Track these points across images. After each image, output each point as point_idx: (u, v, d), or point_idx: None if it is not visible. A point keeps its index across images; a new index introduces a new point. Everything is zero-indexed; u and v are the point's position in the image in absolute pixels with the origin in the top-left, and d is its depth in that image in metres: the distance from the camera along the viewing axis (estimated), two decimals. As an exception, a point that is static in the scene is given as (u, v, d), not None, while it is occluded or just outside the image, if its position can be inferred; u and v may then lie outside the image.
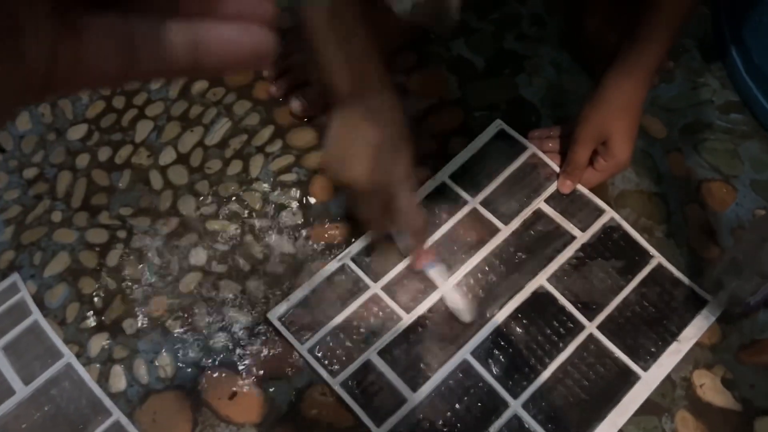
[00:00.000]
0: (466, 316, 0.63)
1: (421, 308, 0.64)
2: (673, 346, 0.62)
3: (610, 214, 0.68)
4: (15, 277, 0.67)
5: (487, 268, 0.66)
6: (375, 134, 0.57)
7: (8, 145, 0.77)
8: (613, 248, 0.67)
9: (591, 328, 0.63)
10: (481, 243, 0.67)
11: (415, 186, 0.62)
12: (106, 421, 0.59)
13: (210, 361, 0.63)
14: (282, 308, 0.64)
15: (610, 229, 0.68)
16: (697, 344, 0.63)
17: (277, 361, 0.63)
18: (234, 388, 0.62)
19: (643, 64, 0.64)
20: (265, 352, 0.63)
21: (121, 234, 0.70)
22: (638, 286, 0.65)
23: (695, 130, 0.75)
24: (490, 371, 0.61)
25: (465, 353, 0.62)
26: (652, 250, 0.67)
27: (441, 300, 0.64)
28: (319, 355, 0.62)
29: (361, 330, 0.64)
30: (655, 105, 0.77)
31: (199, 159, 0.74)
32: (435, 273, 0.64)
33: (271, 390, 0.62)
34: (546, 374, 0.61)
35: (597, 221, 0.68)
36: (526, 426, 0.59)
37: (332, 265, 0.67)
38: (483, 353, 0.62)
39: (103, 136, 0.76)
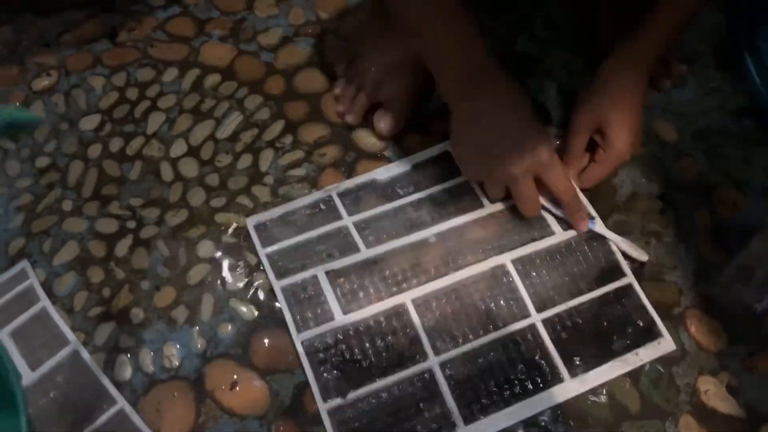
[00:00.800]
0: (642, 255, 0.66)
1: (382, 248, 0.66)
2: (608, 365, 0.62)
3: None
4: (24, 264, 0.68)
5: (457, 234, 0.67)
6: (505, 125, 0.62)
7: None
8: (587, 254, 0.67)
9: (536, 318, 0.63)
10: (461, 211, 0.69)
11: (556, 156, 0.64)
12: (110, 409, 0.60)
13: (215, 352, 0.64)
14: (260, 217, 0.69)
15: (592, 237, 0.67)
16: (702, 350, 0.63)
17: (281, 354, 0.63)
18: (237, 380, 0.62)
19: (640, 55, 0.66)
20: (269, 345, 0.64)
21: (131, 224, 0.70)
22: (599, 297, 0.65)
23: (707, 136, 0.75)
24: (423, 322, 0.63)
25: (405, 297, 0.64)
26: (626, 270, 0.66)
27: (609, 244, 0.67)
28: (275, 259, 0.66)
29: (320, 249, 0.67)
30: (667, 110, 0.77)
31: (210, 152, 0.75)
32: (599, 227, 0.67)
33: (274, 383, 0.62)
34: (475, 344, 0.62)
35: None
36: (436, 383, 0.60)
37: (319, 194, 0.70)
38: (422, 304, 0.64)
39: (115, 127, 0.77)
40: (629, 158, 0.67)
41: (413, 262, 0.66)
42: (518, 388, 0.60)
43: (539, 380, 0.61)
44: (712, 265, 0.67)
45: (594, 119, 0.66)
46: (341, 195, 0.70)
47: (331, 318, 0.63)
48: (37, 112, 0.79)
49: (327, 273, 0.65)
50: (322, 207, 0.70)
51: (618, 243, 0.66)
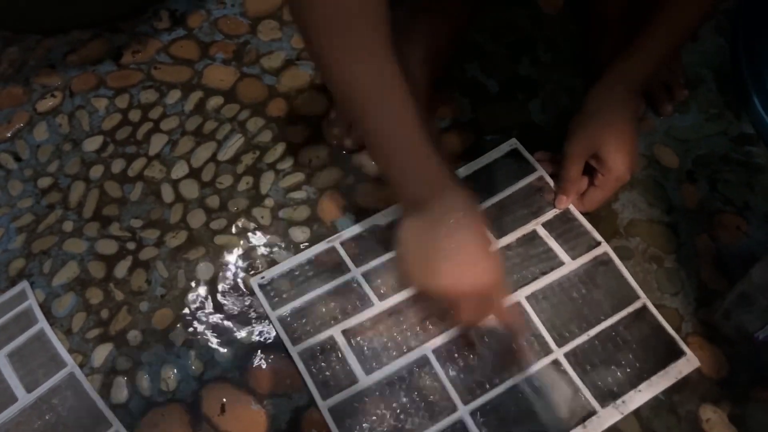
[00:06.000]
0: (566, 390, 0.61)
1: (394, 299, 0.65)
2: (637, 390, 0.61)
3: (604, 248, 0.68)
4: (24, 284, 0.68)
5: None
6: (459, 239, 0.55)
7: (24, 154, 0.78)
8: (599, 282, 0.66)
9: (558, 353, 0.63)
10: None
11: (504, 281, 0.60)
12: (106, 432, 0.60)
13: (212, 375, 0.63)
14: (264, 275, 0.67)
15: (601, 263, 0.67)
16: (704, 377, 0.62)
17: (278, 378, 0.63)
18: (234, 404, 0.62)
19: (630, 76, 0.66)
20: (267, 369, 0.63)
21: (131, 246, 0.71)
22: (617, 323, 0.64)
23: (709, 162, 0.75)
24: (446, 372, 0.62)
25: (426, 349, 0.63)
26: (640, 292, 0.66)
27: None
28: (287, 321, 0.65)
29: (332, 307, 0.66)
30: (669, 135, 0.77)
31: (211, 174, 0.75)
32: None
33: (272, 406, 0.62)
34: (501, 388, 0.61)
35: (589, 252, 0.68)
36: None
37: (321, 246, 0.69)
38: (444, 353, 0.63)
39: (117, 149, 0.77)
40: (628, 179, 0.67)
41: (428, 310, 0.65)
42: (552, 426, 0.59)
43: (572, 415, 0.60)
44: (714, 292, 0.67)
45: (589, 145, 0.65)
46: (344, 244, 0.69)
47: (355, 380, 0.61)
48: (41, 132, 0.79)
49: (344, 332, 0.64)
50: (327, 259, 0.68)
51: (560, 391, 0.61)
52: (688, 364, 0.62)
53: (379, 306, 0.65)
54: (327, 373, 0.62)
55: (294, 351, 0.63)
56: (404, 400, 0.61)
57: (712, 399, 0.62)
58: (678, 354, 0.63)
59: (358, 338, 0.64)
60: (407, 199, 0.57)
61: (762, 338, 0.61)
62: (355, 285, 0.66)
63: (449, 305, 0.60)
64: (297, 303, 0.65)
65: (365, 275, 0.67)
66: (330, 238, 0.69)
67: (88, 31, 0.87)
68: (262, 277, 0.67)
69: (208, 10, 0.88)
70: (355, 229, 0.70)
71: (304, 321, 0.65)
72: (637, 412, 0.61)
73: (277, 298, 0.66)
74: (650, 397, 0.61)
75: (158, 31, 0.87)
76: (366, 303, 0.65)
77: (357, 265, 0.67)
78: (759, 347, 0.62)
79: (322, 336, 0.63)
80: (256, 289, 0.67)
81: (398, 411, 0.60)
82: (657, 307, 0.65)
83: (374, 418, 0.60)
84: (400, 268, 0.60)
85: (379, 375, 0.61)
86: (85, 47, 0.86)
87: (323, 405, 0.60)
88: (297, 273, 0.68)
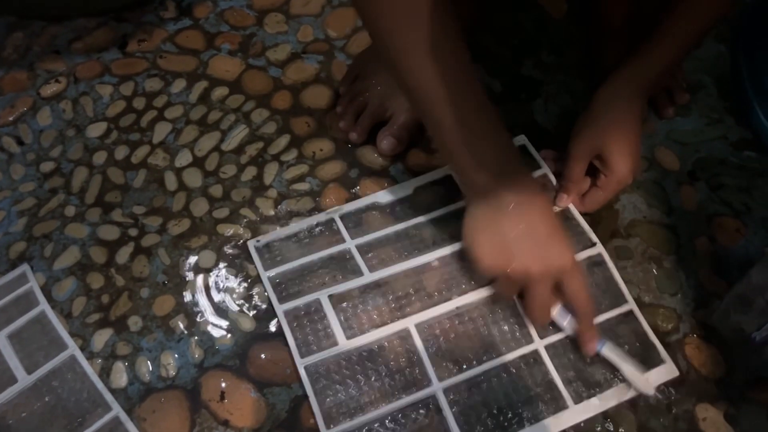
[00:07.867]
0: (648, 389, 0.61)
1: (385, 272, 0.66)
2: (611, 391, 0.61)
3: (599, 249, 0.68)
4: (25, 267, 0.68)
5: (459, 258, 0.67)
6: (530, 223, 0.58)
7: (27, 139, 0.78)
8: (592, 281, 0.67)
9: (539, 344, 0.63)
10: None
11: (578, 265, 0.61)
12: (105, 415, 0.59)
13: (212, 363, 0.63)
14: (260, 239, 0.69)
15: (594, 264, 0.68)
16: (701, 377, 0.63)
17: (278, 367, 0.63)
18: (234, 391, 0.62)
19: (637, 79, 0.66)
20: (267, 357, 0.63)
21: (133, 232, 0.70)
22: (601, 323, 0.64)
23: (708, 165, 0.76)
24: (426, 347, 0.63)
25: (409, 322, 0.64)
26: (628, 296, 0.66)
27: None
28: (277, 282, 0.66)
29: (323, 273, 0.67)
30: (670, 138, 0.78)
31: (215, 163, 0.75)
32: (608, 350, 0.62)
33: (271, 396, 0.62)
34: (478, 370, 0.62)
35: (583, 252, 0.68)
36: (440, 410, 0.60)
37: (320, 217, 0.70)
38: (426, 329, 0.64)
39: (121, 135, 0.77)
40: (631, 182, 0.67)
41: (416, 286, 0.66)
42: (522, 414, 0.60)
43: (543, 407, 0.60)
44: (712, 293, 0.67)
45: (593, 146, 0.66)
46: (343, 218, 0.70)
47: (335, 343, 0.62)
48: (45, 117, 0.79)
49: (330, 297, 0.64)
50: (324, 230, 0.70)
51: (626, 372, 0.61)
52: (665, 372, 0.63)
53: (368, 276, 0.66)
54: (309, 333, 0.63)
55: (279, 309, 0.64)
56: (381, 368, 0.62)
57: (709, 398, 0.62)
58: (657, 362, 0.63)
59: (344, 304, 0.65)
60: (476, 187, 0.60)
61: (759, 339, 0.61)
62: (348, 256, 0.67)
63: (522, 289, 0.61)
64: (289, 266, 0.67)
65: (359, 247, 0.68)
66: (329, 210, 0.70)
67: (94, 19, 0.87)
68: (258, 241, 0.69)
69: (214, 2, 0.89)
70: (355, 204, 0.71)
71: (293, 283, 0.66)
72: (633, 410, 0.61)
73: (270, 261, 0.68)
74: (622, 401, 0.61)
75: (164, 20, 0.87)
76: (356, 273, 0.66)
77: (352, 238, 0.68)
78: (756, 348, 0.63)
79: (309, 298, 0.65)
80: (252, 251, 0.68)
81: (373, 378, 0.61)
82: (655, 306, 0.66)
83: (349, 381, 0.61)
84: (472, 254, 0.61)
85: (359, 341, 0.62)
86: (90, 35, 0.86)
87: (300, 362, 0.61)
88: (294, 240, 0.69)
